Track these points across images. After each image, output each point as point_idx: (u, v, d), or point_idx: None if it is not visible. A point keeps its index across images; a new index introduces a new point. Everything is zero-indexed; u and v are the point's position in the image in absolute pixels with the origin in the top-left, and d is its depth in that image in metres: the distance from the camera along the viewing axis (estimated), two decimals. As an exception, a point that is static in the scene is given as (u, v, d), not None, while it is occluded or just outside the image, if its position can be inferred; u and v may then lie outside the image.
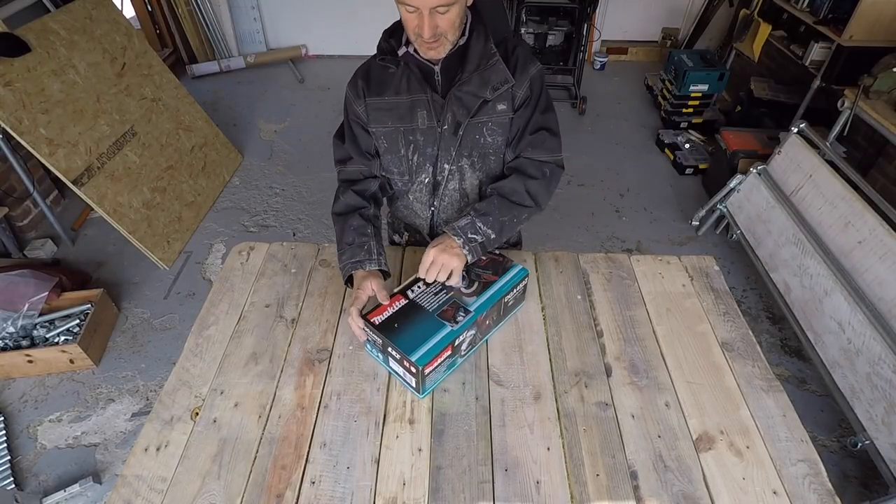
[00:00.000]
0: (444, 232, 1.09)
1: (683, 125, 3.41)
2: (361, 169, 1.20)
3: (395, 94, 1.11)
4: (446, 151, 1.16)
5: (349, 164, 1.20)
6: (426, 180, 1.22)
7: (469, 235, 1.06)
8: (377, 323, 0.99)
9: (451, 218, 1.28)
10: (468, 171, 1.20)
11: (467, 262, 1.06)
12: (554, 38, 4.08)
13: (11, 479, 1.70)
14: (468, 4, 1.03)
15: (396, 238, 1.45)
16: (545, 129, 1.15)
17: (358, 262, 1.09)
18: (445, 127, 1.12)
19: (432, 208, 1.27)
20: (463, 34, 1.06)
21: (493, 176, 1.23)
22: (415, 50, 1.07)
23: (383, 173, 1.23)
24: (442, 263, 1.03)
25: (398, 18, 1.06)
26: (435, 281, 1.05)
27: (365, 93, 1.13)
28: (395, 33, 1.11)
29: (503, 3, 1.21)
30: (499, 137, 1.16)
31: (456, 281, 1.05)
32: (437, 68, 1.09)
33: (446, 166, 1.18)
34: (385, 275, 1.12)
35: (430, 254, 1.04)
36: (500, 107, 1.12)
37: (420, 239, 1.37)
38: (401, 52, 1.08)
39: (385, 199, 1.30)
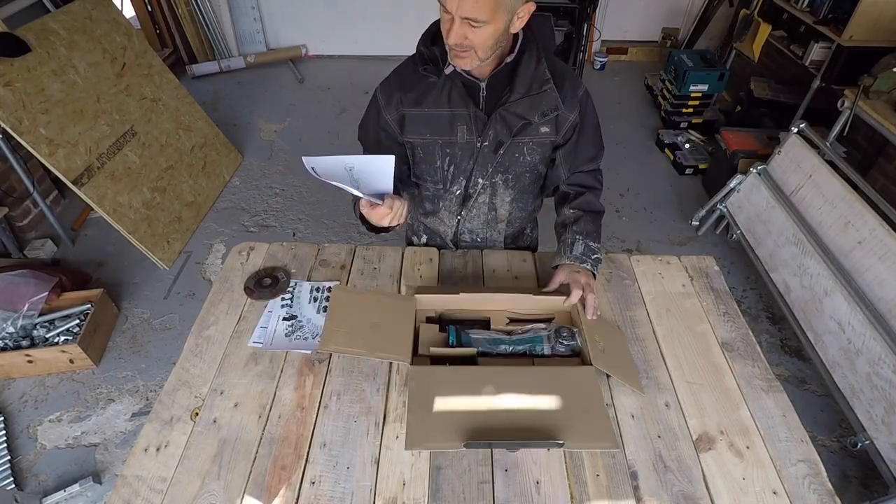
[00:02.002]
0: (562, 264, 1.14)
1: (683, 125, 3.41)
2: None
3: (434, 105, 1.09)
4: (482, 167, 1.17)
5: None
6: (458, 192, 1.23)
7: (592, 257, 1.13)
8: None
9: (477, 228, 1.32)
10: (501, 186, 1.22)
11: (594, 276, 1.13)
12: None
13: (11, 479, 1.70)
14: (514, 31, 1.00)
15: (415, 239, 1.45)
16: (594, 142, 1.19)
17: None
18: (486, 144, 1.12)
19: (458, 217, 1.29)
20: (511, 51, 1.04)
21: (523, 192, 1.26)
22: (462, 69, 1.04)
23: (415, 179, 1.24)
24: (585, 293, 1.07)
25: (436, 20, 1.04)
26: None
27: (402, 102, 1.10)
28: (437, 39, 1.07)
29: (552, 23, 1.20)
30: (537, 157, 1.18)
31: (597, 304, 1.09)
32: (483, 84, 1.07)
33: (480, 181, 1.20)
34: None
35: (580, 278, 1.09)
36: (544, 129, 1.12)
37: (441, 243, 1.39)
38: (448, 70, 1.05)
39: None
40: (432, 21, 1.08)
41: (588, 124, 1.17)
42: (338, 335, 0.99)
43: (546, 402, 0.93)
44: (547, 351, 1.04)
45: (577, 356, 1.05)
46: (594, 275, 1.14)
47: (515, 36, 1.04)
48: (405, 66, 1.12)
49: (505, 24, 0.94)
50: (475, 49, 0.96)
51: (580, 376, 0.98)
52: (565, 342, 1.03)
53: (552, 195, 1.31)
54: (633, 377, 1.03)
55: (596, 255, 1.14)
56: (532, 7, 0.96)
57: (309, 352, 1.07)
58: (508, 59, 1.05)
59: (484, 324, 1.12)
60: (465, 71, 1.04)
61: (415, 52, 1.09)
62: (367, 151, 1.22)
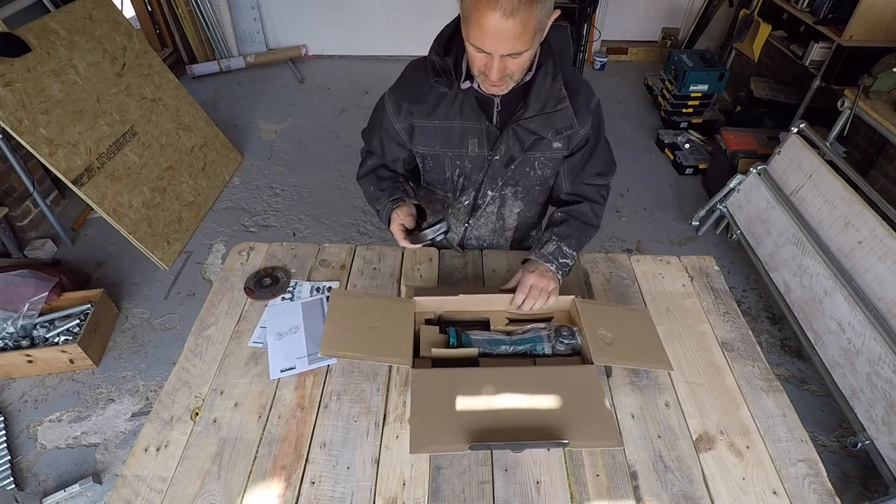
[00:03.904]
0: (529, 259, 1.12)
1: (683, 125, 3.41)
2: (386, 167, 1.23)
3: (445, 118, 1.07)
4: (493, 180, 1.16)
5: (376, 161, 1.23)
6: (466, 202, 1.23)
7: (560, 260, 1.11)
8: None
9: (484, 235, 1.32)
10: (510, 198, 1.22)
11: (559, 283, 1.10)
12: (554, 38, 4.08)
13: (11, 479, 1.70)
14: (542, 38, 0.96)
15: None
16: (604, 158, 1.18)
17: (397, 199, 1.11)
18: (497, 158, 1.11)
19: (466, 225, 1.29)
20: (529, 69, 1.01)
21: (532, 203, 1.26)
22: (478, 84, 1.01)
23: (425, 185, 1.25)
24: (540, 288, 1.06)
25: (450, 25, 1.01)
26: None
27: (412, 113, 1.08)
28: (449, 49, 1.03)
29: (569, 33, 1.17)
30: (548, 171, 1.17)
31: (553, 301, 1.08)
32: (497, 99, 1.05)
33: (489, 192, 1.19)
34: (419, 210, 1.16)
35: (529, 279, 1.07)
36: (556, 145, 1.11)
37: (447, 246, 1.39)
38: (464, 85, 1.03)
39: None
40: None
41: (599, 139, 1.16)
42: (338, 339, 0.99)
43: (549, 401, 0.93)
44: (548, 350, 1.04)
45: (578, 355, 1.05)
46: (559, 278, 1.11)
47: None
48: (413, 73, 1.08)
49: (539, 42, 0.92)
50: (512, 76, 0.94)
51: (582, 375, 0.97)
52: (566, 341, 1.03)
53: (551, 202, 1.31)
54: (655, 359, 1.02)
55: (565, 260, 1.12)
56: (557, 13, 0.92)
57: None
58: (527, 77, 1.02)
59: (483, 325, 1.12)
60: (488, 93, 1.01)
61: (425, 59, 1.05)
62: (373, 157, 1.22)
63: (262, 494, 0.86)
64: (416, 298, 1.10)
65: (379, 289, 1.22)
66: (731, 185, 2.43)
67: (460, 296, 1.09)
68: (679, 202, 2.94)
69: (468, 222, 1.28)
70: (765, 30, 2.93)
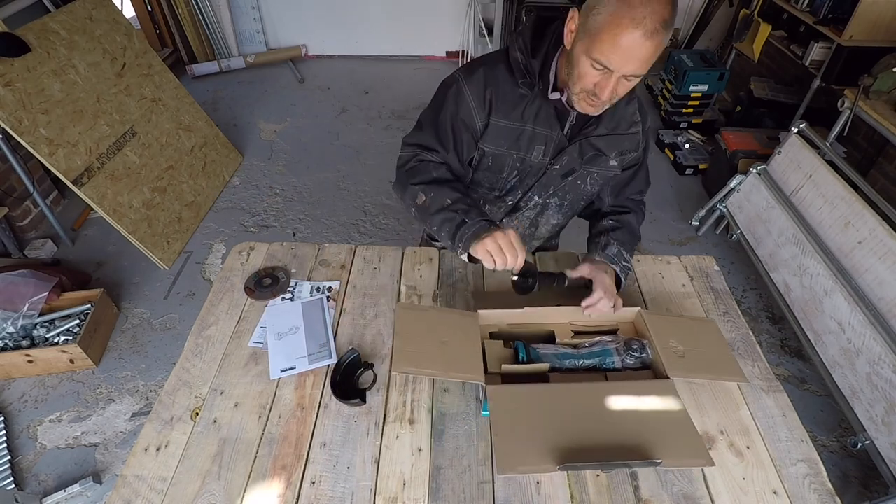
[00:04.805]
0: (591, 258, 1.11)
1: (683, 125, 3.41)
2: (450, 168, 1.09)
3: (520, 120, 1.04)
4: (544, 187, 1.15)
5: (436, 157, 1.08)
6: (510, 202, 1.21)
7: (623, 264, 1.11)
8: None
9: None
10: (552, 208, 1.21)
11: (620, 287, 1.10)
12: (554, 39, 4.07)
13: (11, 479, 1.70)
14: None
15: (438, 241, 1.41)
16: (645, 175, 1.21)
17: (490, 222, 0.98)
18: (556, 167, 1.10)
19: (499, 223, 1.25)
20: None
21: (569, 217, 1.26)
22: (567, 100, 0.98)
23: (471, 182, 1.20)
24: (609, 297, 1.04)
25: (534, 24, 0.98)
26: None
27: (492, 108, 1.03)
28: (537, 51, 0.98)
29: None
30: (597, 187, 1.17)
31: (620, 305, 1.07)
32: (574, 112, 1.02)
33: (535, 198, 1.18)
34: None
35: (605, 278, 1.06)
36: (613, 163, 1.12)
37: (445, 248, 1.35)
38: (553, 96, 0.99)
39: None
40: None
41: (646, 159, 1.17)
42: (410, 355, 0.96)
43: (630, 418, 0.91)
44: (617, 364, 1.01)
45: (648, 368, 1.03)
46: (623, 277, 1.10)
47: None
48: (496, 68, 1.03)
49: None
50: (616, 98, 0.91)
51: (660, 390, 0.95)
52: (636, 354, 1.01)
53: (586, 216, 1.29)
54: (727, 370, 1.00)
55: (627, 265, 1.12)
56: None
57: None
58: None
59: (548, 338, 1.09)
60: (581, 110, 0.97)
61: (501, 54, 1.02)
62: (431, 164, 1.07)
63: (262, 494, 0.86)
64: (479, 312, 1.07)
65: (379, 289, 1.22)
66: (731, 185, 2.43)
67: (525, 308, 1.06)
68: (679, 202, 2.94)
69: (501, 221, 1.25)
70: (765, 30, 2.93)
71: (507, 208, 1.23)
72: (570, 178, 1.12)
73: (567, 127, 1.05)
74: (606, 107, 0.96)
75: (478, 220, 0.97)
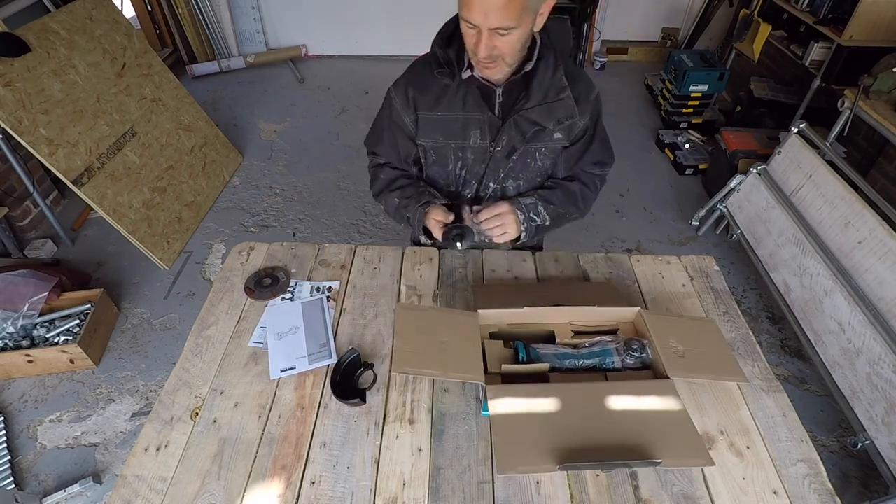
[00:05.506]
0: (508, 199, 1.13)
1: (683, 125, 3.41)
2: (398, 169, 1.22)
3: (448, 109, 1.08)
4: (494, 172, 1.16)
5: (383, 160, 1.22)
6: (468, 195, 1.23)
7: (530, 215, 1.11)
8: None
9: None
10: (511, 191, 1.22)
11: (520, 238, 1.11)
12: (554, 38, 4.08)
13: (11, 479, 1.70)
14: (537, 29, 0.98)
15: (423, 239, 1.41)
16: (602, 150, 1.19)
17: (427, 203, 1.13)
18: (499, 149, 1.12)
19: None
20: (529, 59, 1.02)
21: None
22: (479, 73, 1.03)
23: (426, 181, 1.24)
24: (505, 225, 1.08)
25: (452, 20, 1.02)
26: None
27: (416, 105, 1.09)
28: (452, 41, 1.05)
29: (569, 26, 1.21)
30: (549, 162, 1.17)
31: (504, 240, 1.11)
32: (499, 90, 1.06)
33: (491, 185, 1.20)
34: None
35: (504, 208, 1.08)
36: (557, 135, 1.12)
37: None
38: (465, 75, 1.04)
39: None
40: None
41: (598, 129, 1.17)
42: (410, 356, 0.96)
43: (630, 418, 0.91)
44: (617, 364, 1.01)
45: (648, 368, 1.03)
46: (524, 227, 1.13)
47: (533, 40, 1.03)
48: (419, 67, 1.10)
49: (530, 25, 0.93)
50: (503, 57, 0.95)
51: (660, 390, 0.95)
52: (636, 354, 1.01)
53: None
54: (727, 370, 1.00)
55: (535, 218, 1.14)
56: (553, 2, 0.94)
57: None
58: (528, 68, 1.03)
59: (546, 337, 1.09)
60: (482, 76, 1.03)
61: (428, 52, 1.07)
62: (384, 169, 1.22)
63: (262, 494, 0.86)
64: (479, 312, 1.07)
65: (379, 289, 1.22)
66: (731, 185, 2.43)
67: (525, 308, 1.06)
68: (679, 202, 2.94)
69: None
70: (765, 30, 2.93)
71: (469, 203, 1.24)
72: (514, 158, 1.13)
73: (497, 107, 1.08)
74: (504, 68, 0.99)
75: (415, 209, 1.13)
